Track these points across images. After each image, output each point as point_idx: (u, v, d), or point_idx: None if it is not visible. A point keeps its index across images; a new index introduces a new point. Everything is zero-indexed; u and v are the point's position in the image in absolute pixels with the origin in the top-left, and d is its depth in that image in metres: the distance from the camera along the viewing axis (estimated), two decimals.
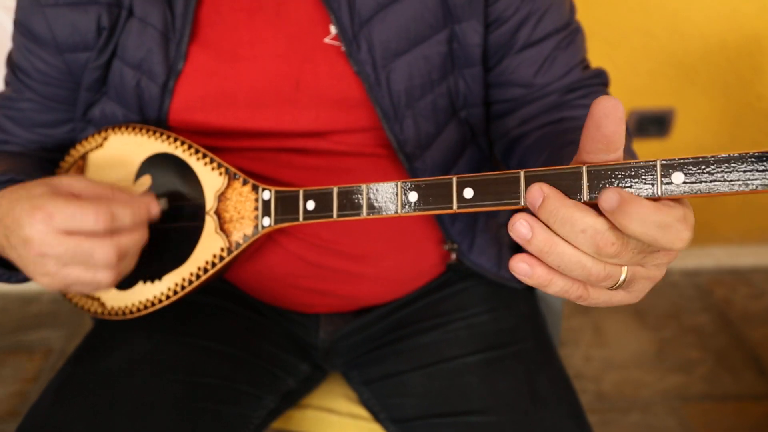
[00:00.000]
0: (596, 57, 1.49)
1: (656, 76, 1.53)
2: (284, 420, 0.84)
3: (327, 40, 0.64)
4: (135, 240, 0.57)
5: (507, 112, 0.71)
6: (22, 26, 0.66)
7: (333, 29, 0.64)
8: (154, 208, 0.60)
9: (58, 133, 0.72)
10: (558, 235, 0.40)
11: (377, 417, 0.76)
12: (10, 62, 0.71)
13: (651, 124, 1.59)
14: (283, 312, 0.79)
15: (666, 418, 1.36)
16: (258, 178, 0.68)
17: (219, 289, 0.78)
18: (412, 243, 0.75)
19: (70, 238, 0.53)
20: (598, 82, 0.71)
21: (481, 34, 0.66)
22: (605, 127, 0.39)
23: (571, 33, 0.68)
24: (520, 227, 0.40)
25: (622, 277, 0.41)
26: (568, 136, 0.62)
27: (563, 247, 0.40)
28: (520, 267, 0.41)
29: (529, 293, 0.79)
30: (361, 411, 0.81)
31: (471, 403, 0.67)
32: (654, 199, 0.39)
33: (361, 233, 0.71)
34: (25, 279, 0.61)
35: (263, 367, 0.74)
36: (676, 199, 0.40)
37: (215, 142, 0.68)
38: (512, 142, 0.70)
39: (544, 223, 0.40)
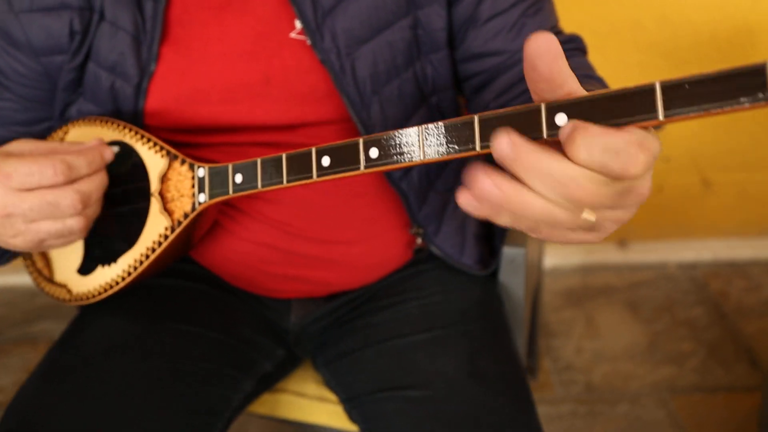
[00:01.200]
0: None
1: (646, 67, 1.53)
2: (259, 404, 0.87)
3: (293, 34, 0.66)
4: (96, 184, 0.60)
5: (483, 84, 0.71)
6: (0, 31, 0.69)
7: (298, 24, 0.66)
8: (107, 151, 0.63)
9: (35, 131, 0.75)
10: (525, 186, 0.37)
11: (339, 398, 0.78)
12: None
13: None
14: (258, 297, 0.81)
15: (654, 410, 1.37)
16: None
17: (195, 272, 0.80)
18: (380, 230, 0.77)
19: (33, 194, 0.55)
20: (573, 47, 0.70)
21: (445, 18, 0.67)
22: (540, 67, 0.38)
23: (537, 2, 0.68)
24: (486, 182, 0.37)
25: (587, 222, 0.39)
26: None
27: (528, 198, 0.37)
28: (467, 203, 0.39)
29: (488, 279, 0.81)
30: (329, 394, 0.83)
31: (413, 378, 0.69)
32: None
33: (330, 220, 0.73)
34: (10, 257, 0.64)
35: (242, 350, 0.76)
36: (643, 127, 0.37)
37: (191, 138, 0.70)
38: None
39: (511, 173, 0.37)
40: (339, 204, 0.73)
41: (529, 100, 0.63)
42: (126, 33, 0.65)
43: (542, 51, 0.38)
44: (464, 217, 0.79)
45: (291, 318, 0.81)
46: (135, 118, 0.68)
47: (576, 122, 0.37)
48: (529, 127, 0.39)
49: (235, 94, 0.67)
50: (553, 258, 1.79)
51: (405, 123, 0.70)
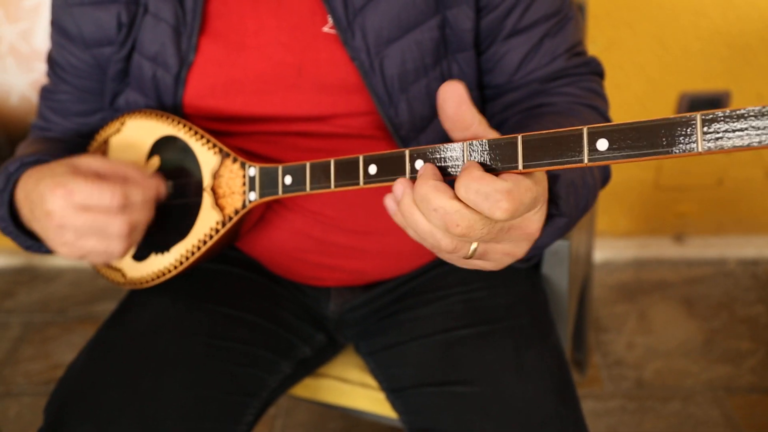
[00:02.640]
0: (644, 38, 1.46)
1: (708, 57, 1.48)
2: (301, 388, 0.89)
3: (325, 29, 0.67)
4: (145, 216, 0.64)
5: (491, 97, 0.72)
6: (56, 25, 0.74)
7: (330, 19, 0.67)
8: (162, 189, 0.67)
9: (91, 121, 0.79)
10: (418, 209, 0.46)
11: (381, 386, 0.79)
12: (49, 58, 0.79)
13: (704, 107, 1.54)
14: (298, 285, 0.83)
15: (708, 409, 1.33)
16: (266, 159, 0.73)
17: (240, 259, 0.83)
18: None
19: (88, 213, 0.60)
20: (587, 71, 0.71)
21: (473, 19, 0.67)
22: (447, 110, 0.45)
23: (561, 20, 0.69)
24: (388, 202, 0.49)
25: (471, 249, 0.47)
26: (528, 120, 0.63)
27: (418, 218, 0.46)
28: (388, 204, 0.49)
29: (532, 272, 0.81)
30: (371, 381, 0.85)
31: (459, 373, 0.69)
32: (495, 172, 0.44)
33: (363, 210, 0.74)
34: (48, 251, 0.69)
35: (281, 334, 0.79)
36: (526, 174, 0.44)
37: (226, 126, 0.73)
38: (495, 126, 0.71)
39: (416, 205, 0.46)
40: (372, 196, 0.74)
41: (522, 121, 0.66)
42: (167, 24, 0.68)
43: (448, 96, 0.45)
44: None
45: (330, 306, 0.82)
46: (175, 106, 0.71)
47: (469, 163, 0.45)
48: (569, 150, 0.43)
49: (268, 84, 0.69)
50: (606, 252, 1.75)
51: (431, 120, 0.70)
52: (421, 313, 0.77)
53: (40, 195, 0.61)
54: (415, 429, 0.72)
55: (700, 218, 1.74)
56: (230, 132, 0.73)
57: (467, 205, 0.43)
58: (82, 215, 0.60)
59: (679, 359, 1.45)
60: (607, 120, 0.70)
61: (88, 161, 0.64)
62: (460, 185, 0.43)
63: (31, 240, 0.68)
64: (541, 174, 0.47)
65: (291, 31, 0.68)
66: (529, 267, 0.80)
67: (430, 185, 0.44)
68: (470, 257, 0.48)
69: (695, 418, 1.31)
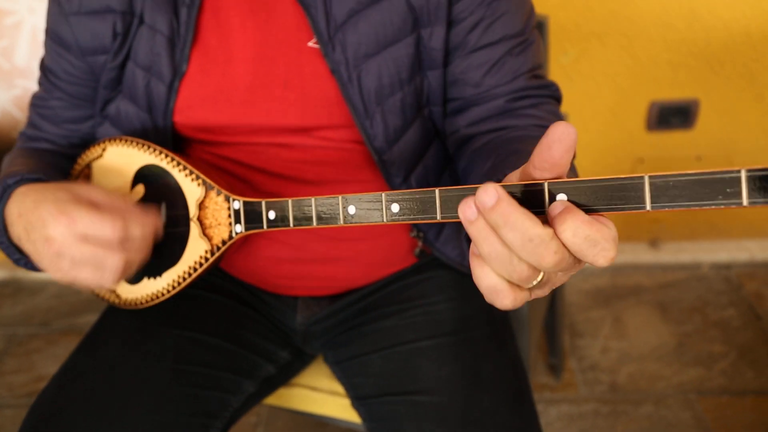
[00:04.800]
0: (614, 49, 1.49)
1: (677, 67, 1.51)
2: (274, 397, 0.91)
3: (310, 44, 0.71)
4: (141, 255, 0.65)
5: (458, 110, 0.75)
6: (51, 33, 0.76)
7: (314, 33, 0.70)
8: (160, 227, 0.68)
9: (82, 128, 0.81)
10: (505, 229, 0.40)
11: (348, 394, 0.82)
12: (43, 66, 0.80)
13: (673, 115, 1.57)
14: (264, 298, 0.86)
15: (680, 411, 1.36)
16: (251, 168, 0.76)
17: (205, 281, 0.86)
18: (386, 229, 0.80)
19: (87, 245, 0.60)
20: (547, 94, 0.73)
21: (443, 39, 0.70)
22: (555, 150, 0.41)
23: (523, 42, 0.71)
24: (468, 209, 0.41)
25: (539, 279, 0.43)
26: (512, 145, 0.65)
27: (497, 243, 0.41)
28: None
29: None
30: (340, 389, 0.87)
31: (419, 383, 0.72)
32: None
33: None
34: (33, 268, 0.70)
35: (244, 355, 0.81)
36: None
37: (214, 136, 0.75)
38: (462, 141, 0.74)
39: (491, 225, 0.41)
40: None
41: (497, 144, 0.68)
42: (162, 36, 0.71)
43: (564, 138, 0.40)
44: None
45: (297, 318, 0.85)
46: (165, 115, 0.73)
47: (569, 204, 0.41)
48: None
49: (255, 95, 0.72)
50: None
51: (404, 132, 0.73)
52: (383, 325, 0.80)
53: (40, 218, 0.61)
54: None
55: (675, 224, 1.77)
56: (218, 142, 0.76)
57: (570, 248, 0.40)
58: (81, 246, 0.60)
59: (652, 363, 1.48)
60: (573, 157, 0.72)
61: (88, 191, 0.64)
62: (566, 227, 0.39)
63: (19, 254, 0.69)
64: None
65: (277, 46, 0.71)
66: None
67: (524, 213, 0.40)
68: (532, 288, 0.44)
69: (667, 421, 1.34)
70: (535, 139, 0.66)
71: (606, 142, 1.62)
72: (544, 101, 0.72)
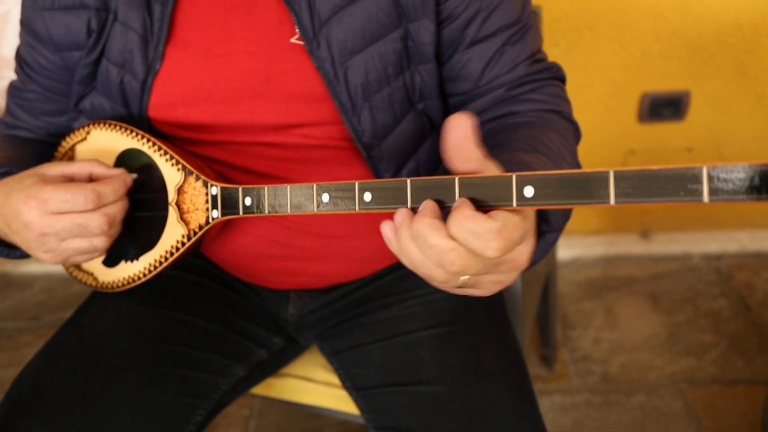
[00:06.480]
0: (605, 41, 1.49)
1: (668, 58, 1.52)
2: (267, 387, 0.91)
3: (293, 40, 0.69)
4: (119, 208, 0.67)
5: (459, 105, 0.74)
6: (25, 25, 0.74)
7: (298, 30, 0.69)
8: (128, 180, 0.69)
9: (59, 121, 0.81)
10: (414, 243, 0.47)
11: (345, 385, 0.81)
12: (18, 56, 0.79)
13: (664, 107, 1.58)
14: (256, 289, 0.85)
15: (671, 401, 1.37)
16: (234, 168, 0.75)
17: (198, 266, 0.85)
18: (376, 224, 0.79)
19: (65, 216, 0.62)
20: (549, 76, 0.72)
21: (433, 33, 0.69)
22: (451, 139, 0.45)
23: (521, 29, 0.71)
24: (386, 229, 0.49)
25: (462, 280, 0.48)
26: (502, 135, 0.65)
27: (414, 250, 0.47)
28: (385, 231, 0.50)
29: None
30: (335, 379, 0.87)
31: (421, 374, 0.72)
32: (486, 210, 0.45)
33: (327, 215, 0.76)
34: (23, 255, 0.70)
35: (235, 340, 0.81)
36: (516, 210, 0.45)
37: (194, 135, 0.74)
38: None
39: (410, 239, 0.47)
40: None
41: (492, 134, 0.69)
42: (135, 33, 0.70)
43: (455, 127, 0.46)
44: None
45: (289, 309, 0.84)
46: (141, 111, 0.72)
47: (461, 200, 0.46)
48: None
49: (236, 93, 0.71)
50: (574, 250, 1.79)
51: (393, 129, 0.72)
52: (381, 315, 0.79)
53: (13, 209, 0.63)
54: (378, 427, 0.74)
55: (666, 215, 1.78)
56: (198, 140, 0.74)
57: (461, 244, 0.44)
58: (60, 219, 0.62)
59: (643, 353, 1.49)
60: (572, 123, 0.72)
61: (53, 168, 0.66)
62: (452, 223, 0.44)
63: (8, 248, 0.70)
64: (530, 210, 0.48)
65: (259, 41, 0.69)
66: None
67: (426, 222, 0.46)
68: (461, 287, 0.49)
69: (659, 411, 1.35)
70: (531, 129, 0.66)
71: (597, 133, 1.63)
72: (547, 84, 0.72)
